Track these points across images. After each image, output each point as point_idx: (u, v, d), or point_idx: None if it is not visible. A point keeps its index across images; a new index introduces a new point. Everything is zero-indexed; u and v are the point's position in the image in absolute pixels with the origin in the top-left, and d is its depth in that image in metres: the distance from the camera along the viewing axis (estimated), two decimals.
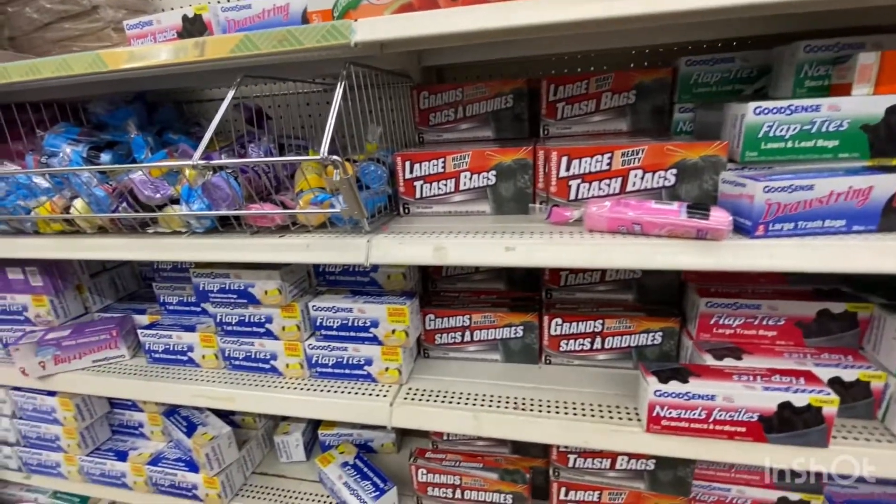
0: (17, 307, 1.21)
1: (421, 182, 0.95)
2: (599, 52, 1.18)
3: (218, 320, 1.07)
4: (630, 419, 0.87)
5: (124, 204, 0.92)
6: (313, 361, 1.05)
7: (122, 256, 0.96)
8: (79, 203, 0.96)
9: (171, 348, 1.14)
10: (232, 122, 1.08)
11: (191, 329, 1.13)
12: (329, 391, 1.02)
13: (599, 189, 0.83)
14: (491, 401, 0.95)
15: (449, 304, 1.09)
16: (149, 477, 1.22)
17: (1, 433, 1.33)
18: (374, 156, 0.96)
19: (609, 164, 0.81)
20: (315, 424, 1.37)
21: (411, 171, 0.94)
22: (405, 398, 0.97)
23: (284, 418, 1.38)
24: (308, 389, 1.03)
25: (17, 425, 1.30)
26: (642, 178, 0.80)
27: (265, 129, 1.22)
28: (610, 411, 0.89)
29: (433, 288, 1.20)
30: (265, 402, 1.03)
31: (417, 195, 0.96)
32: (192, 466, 1.19)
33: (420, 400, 0.97)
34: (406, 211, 0.97)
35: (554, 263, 0.74)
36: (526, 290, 1.14)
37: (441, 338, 1.08)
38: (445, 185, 0.94)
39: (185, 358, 1.14)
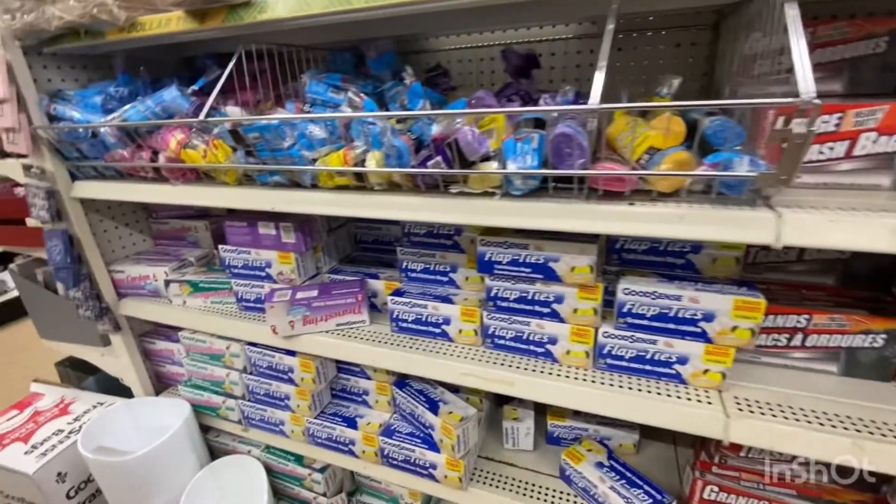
0: (260, 263, 1.18)
1: None
2: None
3: (492, 294, 0.96)
4: None
5: (438, 157, 0.80)
6: (605, 352, 0.91)
7: (421, 217, 0.85)
8: (376, 155, 0.86)
9: (424, 319, 1.05)
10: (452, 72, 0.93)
11: (447, 300, 1.03)
12: (629, 388, 0.87)
13: None
14: (863, 425, 0.75)
15: (771, 299, 0.90)
16: (381, 448, 1.17)
17: (228, 385, 1.34)
18: None
19: None
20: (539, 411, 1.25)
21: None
22: (739, 409, 0.81)
23: (506, 400, 1.27)
24: (599, 383, 0.89)
25: (246, 380, 1.30)
26: None
27: (531, 80, 1.07)
28: None
29: None
30: (551, 392, 0.91)
31: None
32: (432, 444, 1.12)
33: (762, 414, 0.79)
34: None
35: None
36: (866, 288, 0.92)
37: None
38: (832, 148, 0.74)
39: (437, 331, 1.05)
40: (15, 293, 3.29)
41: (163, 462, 1.29)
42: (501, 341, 0.99)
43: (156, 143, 1.08)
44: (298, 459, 1.39)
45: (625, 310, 0.87)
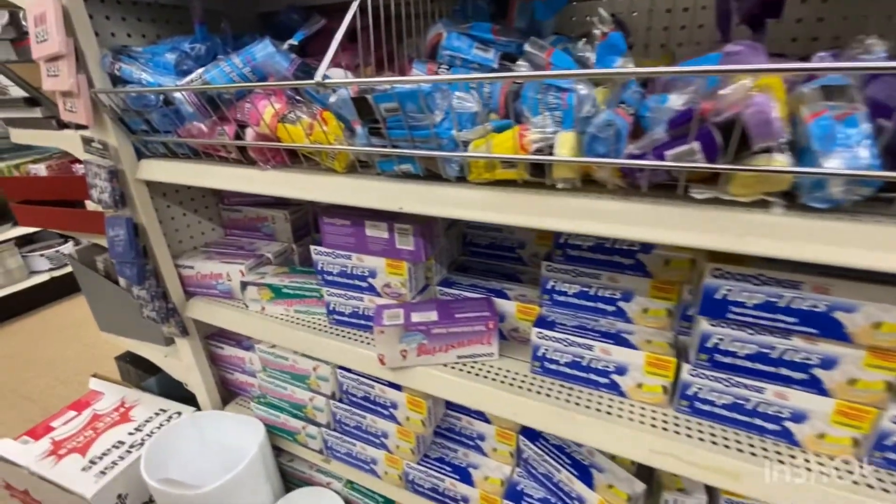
0: (362, 271, 0.93)
1: None
2: None
3: (709, 344, 0.67)
4: None
5: (695, 143, 0.51)
6: (891, 443, 0.61)
7: (638, 235, 0.57)
8: (569, 137, 0.58)
9: (585, 363, 0.78)
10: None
11: (624, 342, 0.75)
12: None
13: None
14: None
15: None
16: None
17: (311, 410, 1.12)
18: None
19: None
20: None
21: None
22: None
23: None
24: (880, 489, 0.60)
25: (334, 408, 1.08)
26: None
27: (762, 34, 0.75)
28: None
29: None
30: (798, 496, 0.62)
31: None
32: None
33: None
34: None
35: None
36: None
37: None
38: None
39: (604, 381, 0.78)
40: None
41: (236, 494, 1.09)
42: (707, 407, 0.71)
43: (242, 114, 0.84)
44: (387, 502, 1.16)
45: None
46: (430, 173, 0.72)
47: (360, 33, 0.77)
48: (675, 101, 0.54)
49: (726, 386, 0.68)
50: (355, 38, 1.11)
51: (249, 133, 0.83)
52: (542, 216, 0.62)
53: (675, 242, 0.56)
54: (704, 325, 0.66)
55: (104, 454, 1.21)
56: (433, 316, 0.86)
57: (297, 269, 1.13)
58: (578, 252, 0.81)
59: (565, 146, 0.58)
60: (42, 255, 3.18)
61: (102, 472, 1.16)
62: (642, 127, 0.58)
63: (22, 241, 3.16)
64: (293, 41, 0.84)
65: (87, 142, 1.01)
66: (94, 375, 1.54)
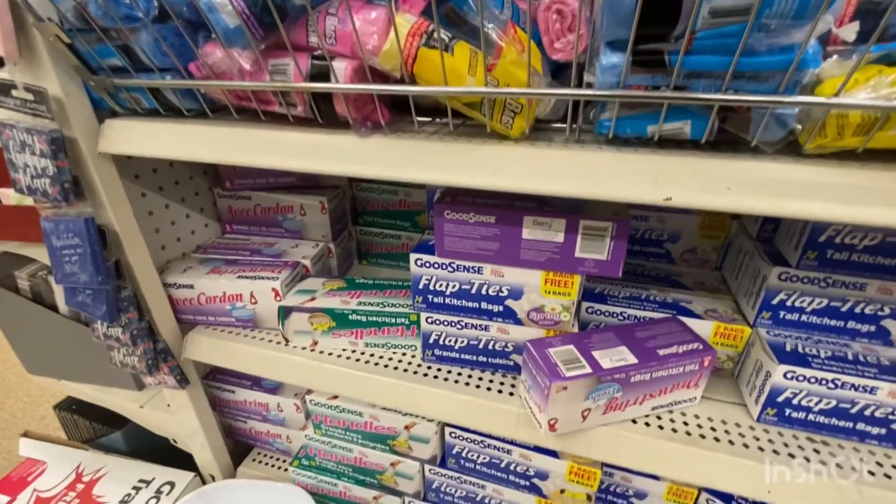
0: (498, 290, 0.61)
1: None
2: None
3: None
4: None
5: None
6: None
7: None
8: None
9: (856, 411, 0.55)
10: None
11: None
12: None
13: None
14: None
15: None
16: None
17: (390, 477, 0.81)
18: None
19: None
20: None
21: None
22: None
23: None
24: None
25: (430, 474, 0.77)
26: None
27: None
28: None
29: None
30: None
31: None
32: None
33: None
34: None
35: None
36: None
37: None
38: None
39: (878, 431, 0.55)
40: None
41: None
42: None
43: (322, 34, 0.47)
44: None
45: None
46: (720, 138, 0.42)
47: None
48: None
49: None
50: None
51: (343, 68, 0.47)
52: None
53: None
54: None
55: None
56: (627, 355, 0.58)
57: (356, 283, 0.78)
58: (847, 254, 0.57)
59: None
60: None
61: None
62: None
63: None
64: None
65: (4, 90, 0.58)
66: (25, 435, 1.08)
